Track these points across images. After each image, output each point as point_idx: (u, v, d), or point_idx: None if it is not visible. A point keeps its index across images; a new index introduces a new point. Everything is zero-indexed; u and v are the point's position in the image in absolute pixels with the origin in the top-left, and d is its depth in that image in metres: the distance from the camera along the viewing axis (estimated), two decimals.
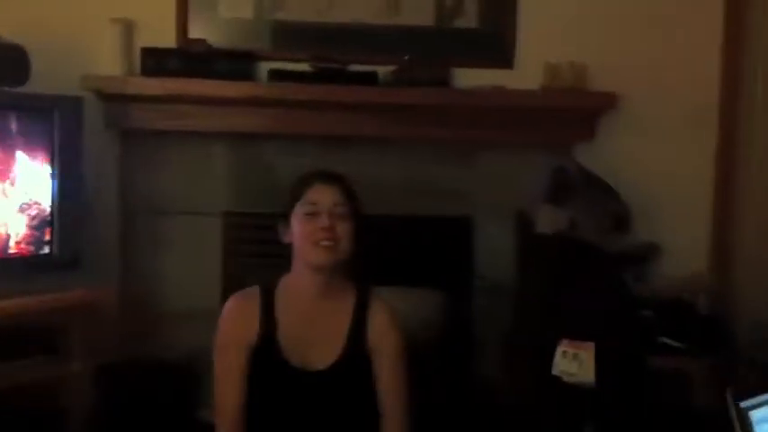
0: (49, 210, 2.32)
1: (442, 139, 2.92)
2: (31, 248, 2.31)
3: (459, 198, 2.96)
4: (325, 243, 1.79)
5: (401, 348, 1.89)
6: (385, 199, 2.74)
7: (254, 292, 1.89)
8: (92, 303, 2.43)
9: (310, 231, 1.80)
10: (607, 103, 2.90)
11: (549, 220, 2.65)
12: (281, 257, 2.70)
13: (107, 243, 2.76)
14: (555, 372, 2.28)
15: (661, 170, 2.97)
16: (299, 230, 1.82)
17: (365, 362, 1.86)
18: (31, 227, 2.30)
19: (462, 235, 2.98)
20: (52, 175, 2.32)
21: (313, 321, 1.86)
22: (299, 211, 1.84)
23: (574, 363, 2.28)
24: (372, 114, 2.81)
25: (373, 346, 1.87)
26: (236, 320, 1.86)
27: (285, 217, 1.87)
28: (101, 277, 2.60)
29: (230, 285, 2.79)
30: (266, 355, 1.83)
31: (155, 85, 2.67)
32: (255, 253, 2.83)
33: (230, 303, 1.89)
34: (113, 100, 2.70)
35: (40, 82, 2.37)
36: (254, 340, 1.83)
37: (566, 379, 2.28)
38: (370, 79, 2.80)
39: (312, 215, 1.81)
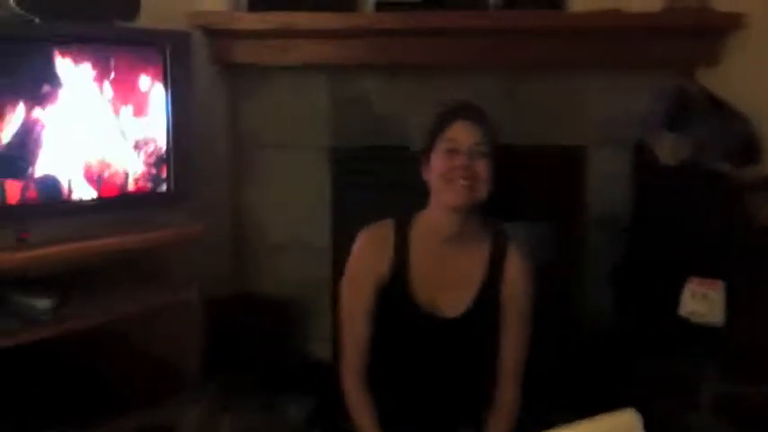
0: (164, 146, 2.33)
1: (554, 64, 2.79)
2: (149, 185, 2.33)
3: (570, 127, 2.84)
4: (463, 182, 1.73)
5: (530, 305, 1.84)
6: None
7: (388, 225, 1.85)
8: (202, 237, 2.44)
9: (448, 169, 1.75)
10: (733, 23, 2.69)
11: (671, 150, 2.52)
12: (391, 192, 2.67)
13: (216, 178, 2.78)
14: (682, 313, 2.20)
15: None
16: (436, 167, 1.78)
17: (496, 312, 1.82)
18: (148, 164, 2.31)
19: (574, 165, 2.86)
20: (166, 111, 2.31)
21: (446, 264, 1.81)
22: (438, 148, 1.78)
23: (703, 303, 2.19)
24: (481, 40, 2.70)
25: (505, 296, 1.82)
26: (369, 255, 1.82)
27: (425, 152, 1.82)
28: (211, 212, 2.63)
29: (340, 220, 2.80)
30: (396, 293, 1.80)
31: (260, 20, 2.64)
32: (364, 187, 2.81)
33: (363, 237, 1.85)
34: (220, 35, 2.68)
35: (146, 18, 2.34)
36: (385, 276, 1.80)
37: (693, 320, 2.19)
38: (479, 3, 2.69)
39: (451, 152, 1.76)
